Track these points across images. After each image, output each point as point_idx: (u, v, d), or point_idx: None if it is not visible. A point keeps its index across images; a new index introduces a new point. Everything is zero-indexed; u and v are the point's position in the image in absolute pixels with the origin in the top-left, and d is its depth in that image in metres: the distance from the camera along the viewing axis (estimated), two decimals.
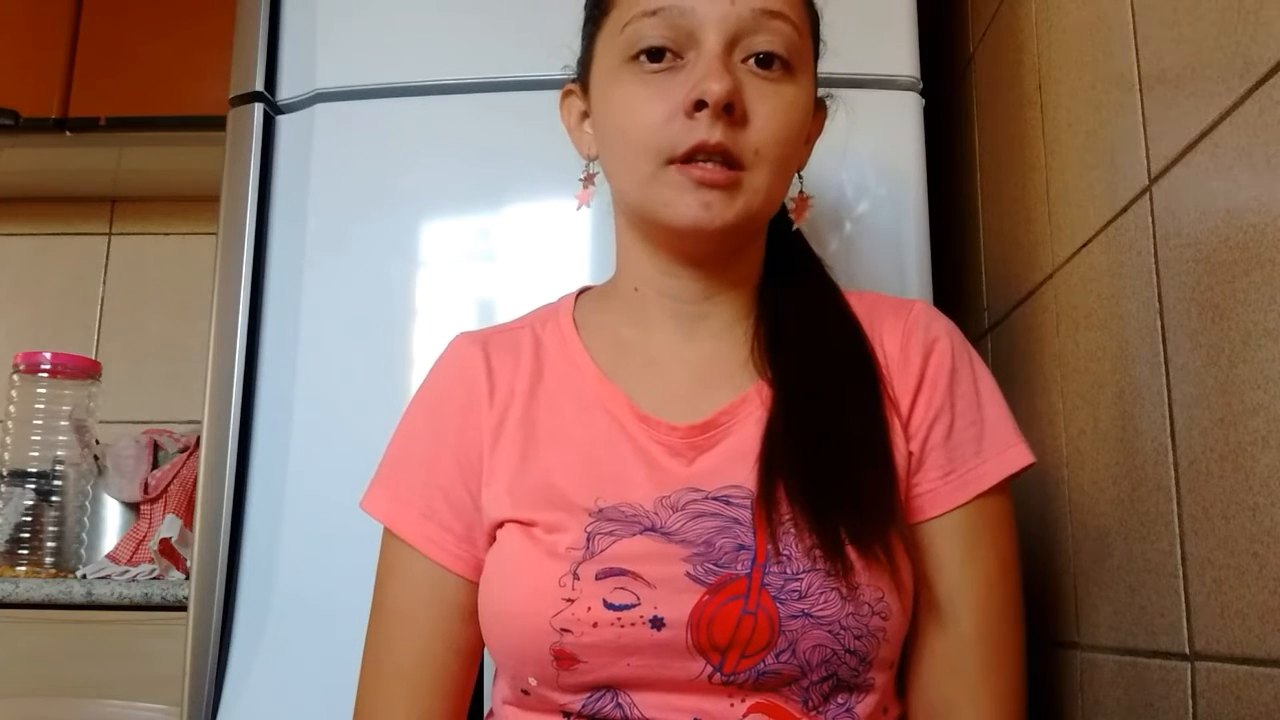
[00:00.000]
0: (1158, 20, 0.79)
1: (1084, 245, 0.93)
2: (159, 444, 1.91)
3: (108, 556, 1.76)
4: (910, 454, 0.81)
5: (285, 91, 1.29)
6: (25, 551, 1.70)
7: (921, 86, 1.20)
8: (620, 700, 0.74)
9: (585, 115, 0.88)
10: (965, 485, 0.80)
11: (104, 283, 2.17)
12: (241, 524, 1.19)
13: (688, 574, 0.74)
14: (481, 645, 0.83)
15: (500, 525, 0.81)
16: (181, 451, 1.88)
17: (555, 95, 0.91)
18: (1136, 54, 0.82)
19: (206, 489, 1.20)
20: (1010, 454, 0.81)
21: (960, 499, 0.80)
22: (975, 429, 0.81)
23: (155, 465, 1.88)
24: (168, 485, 1.81)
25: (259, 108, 1.28)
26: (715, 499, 0.77)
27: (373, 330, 1.21)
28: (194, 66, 1.82)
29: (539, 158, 1.17)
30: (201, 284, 1.28)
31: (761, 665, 0.73)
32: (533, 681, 0.76)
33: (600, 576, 0.74)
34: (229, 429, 1.20)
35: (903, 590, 0.76)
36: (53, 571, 1.70)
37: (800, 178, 0.88)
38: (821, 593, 0.73)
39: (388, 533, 0.86)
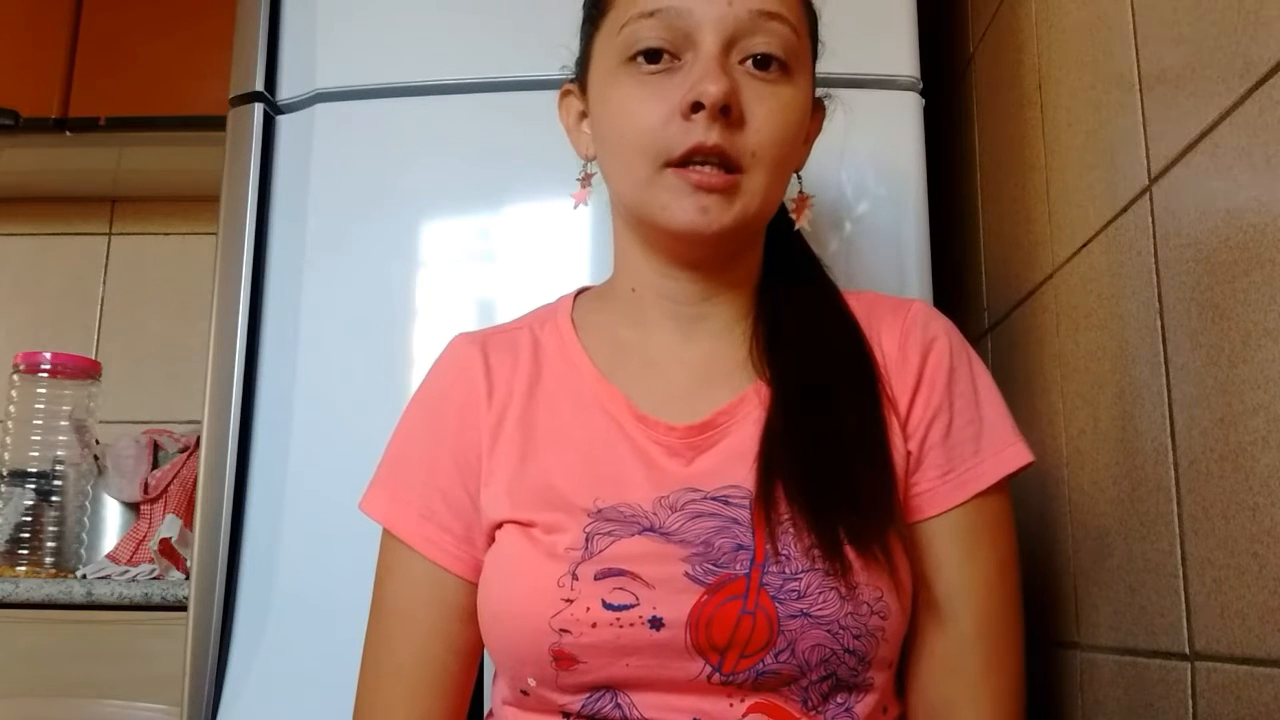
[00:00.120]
0: (1158, 20, 0.79)
1: (1084, 245, 0.93)
2: (159, 444, 1.91)
3: (108, 556, 1.76)
4: (909, 453, 0.81)
5: (285, 91, 1.29)
6: (25, 551, 1.70)
7: (921, 86, 1.20)
8: (619, 700, 0.74)
9: (583, 115, 0.88)
10: (964, 484, 0.80)
11: (104, 283, 2.17)
12: (241, 524, 1.19)
13: (686, 574, 0.74)
14: (481, 646, 0.83)
15: (499, 526, 0.81)
16: (181, 451, 1.88)
17: (555, 95, 0.91)
18: (1136, 54, 0.82)
19: (206, 489, 1.20)
20: (1009, 453, 0.81)
21: (959, 498, 0.80)
22: (973, 428, 0.81)
23: (155, 465, 1.88)
24: (168, 485, 1.81)
25: (259, 108, 1.28)
26: (714, 499, 0.77)
27: (373, 330, 1.21)
28: (194, 66, 1.82)
29: (539, 158, 1.17)
30: (201, 284, 1.28)
31: (760, 665, 0.73)
32: (532, 682, 0.76)
33: (599, 577, 0.74)
34: (229, 429, 1.20)
35: (901, 590, 0.76)
36: (53, 571, 1.70)
37: (799, 178, 0.88)
38: (820, 592, 0.73)
39: (387, 533, 0.86)
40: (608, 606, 0.73)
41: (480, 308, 1.21)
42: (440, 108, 1.25)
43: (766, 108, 0.79)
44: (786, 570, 0.73)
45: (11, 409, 1.79)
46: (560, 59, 0.90)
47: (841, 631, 0.73)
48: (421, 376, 0.90)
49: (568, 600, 0.74)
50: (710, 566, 0.74)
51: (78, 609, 1.49)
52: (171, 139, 1.89)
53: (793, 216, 0.89)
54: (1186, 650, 0.74)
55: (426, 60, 1.26)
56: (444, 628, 0.83)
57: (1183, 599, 0.74)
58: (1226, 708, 0.68)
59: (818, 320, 0.85)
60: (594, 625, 0.73)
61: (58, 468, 1.77)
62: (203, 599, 1.17)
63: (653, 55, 0.79)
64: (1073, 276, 0.96)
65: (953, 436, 0.81)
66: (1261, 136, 0.63)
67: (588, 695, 0.75)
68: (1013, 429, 0.83)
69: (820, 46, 0.88)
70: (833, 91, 0.92)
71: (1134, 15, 0.82)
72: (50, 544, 1.72)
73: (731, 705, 0.73)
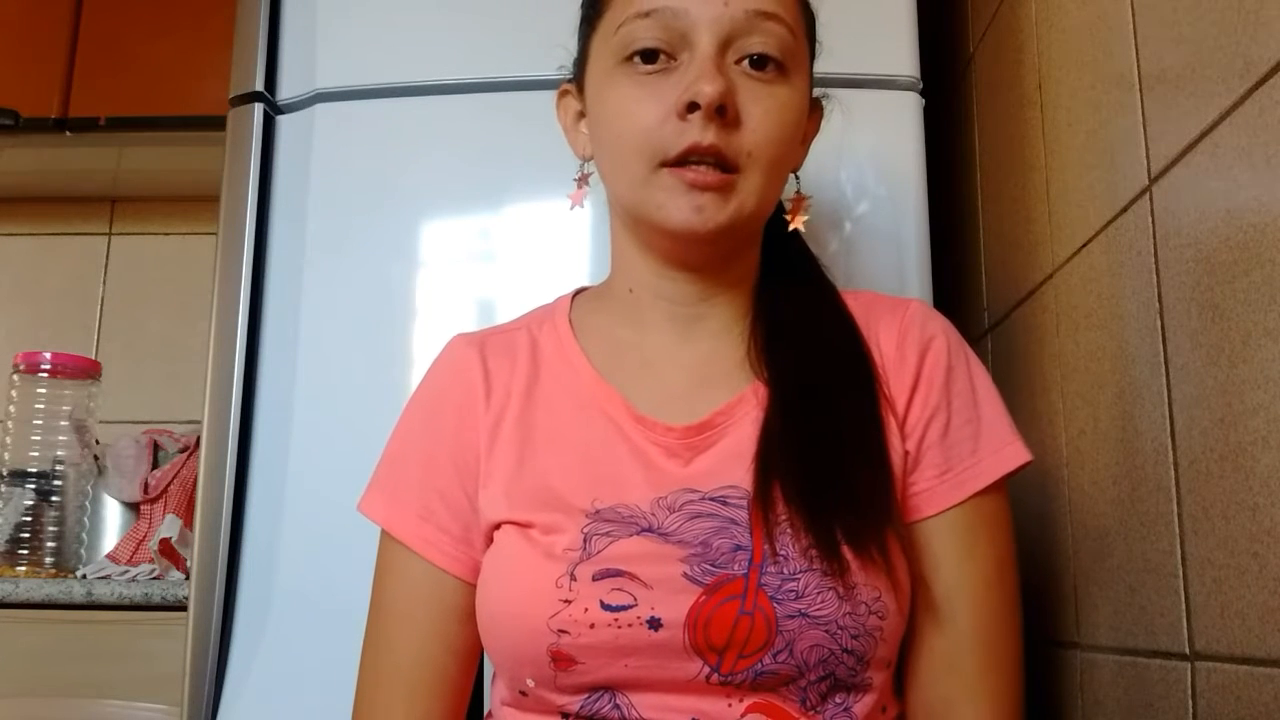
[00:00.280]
0: (1158, 20, 0.79)
1: (1084, 245, 0.93)
2: (159, 444, 1.91)
3: (108, 556, 1.76)
4: (906, 453, 0.81)
5: (285, 91, 1.29)
6: (25, 551, 1.70)
7: (921, 86, 1.20)
8: (618, 701, 0.74)
9: (581, 115, 0.88)
10: (962, 484, 0.80)
11: (104, 283, 2.17)
12: (241, 524, 1.19)
13: (685, 574, 0.74)
14: (480, 646, 0.83)
15: (497, 527, 0.81)
16: (181, 451, 1.88)
17: (554, 95, 0.91)
18: (1136, 54, 0.82)
19: (206, 489, 1.20)
20: (1007, 452, 0.81)
21: (957, 497, 0.80)
22: (971, 427, 0.81)
23: (155, 465, 1.88)
24: (168, 485, 1.81)
25: (259, 108, 1.28)
26: (712, 499, 0.77)
27: (373, 330, 1.21)
28: (194, 66, 1.82)
29: (539, 158, 1.17)
30: (201, 284, 1.28)
31: (759, 665, 0.72)
32: (530, 683, 0.76)
33: (597, 577, 0.74)
34: (229, 429, 1.20)
35: (899, 589, 0.76)
36: (53, 571, 1.70)
37: (797, 178, 0.88)
38: (818, 592, 0.73)
39: (385, 534, 0.86)
40: (606, 607, 0.73)
41: (480, 308, 1.21)
42: (440, 108, 1.25)
43: (763, 108, 0.79)
44: (785, 570, 0.73)
45: (11, 409, 1.79)
46: (558, 59, 0.90)
47: (840, 631, 0.72)
48: (421, 376, 0.90)
49: (566, 601, 0.74)
50: (708, 567, 0.74)
51: (78, 609, 1.49)
52: (171, 139, 1.89)
53: (789, 217, 0.88)
54: (1186, 650, 0.74)
55: (426, 60, 1.26)
56: (442, 628, 0.83)
57: (1183, 599, 0.74)
58: (1226, 708, 0.68)
59: (816, 320, 0.85)
60: (592, 626, 0.73)
61: (58, 468, 1.77)
62: (203, 599, 1.17)
63: (649, 55, 0.79)
64: (1073, 276, 0.96)
65: (950, 436, 0.81)
66: (1261, 136, 0.63)
67: (586, 696, 0.75)
68: (1010, 428, 0.83)
69: (818, 46, 0.88)
70: (833, 91, 0.91)
71: (1134, 15, 0.82)
72: (50, 544, 1.72)
73: (730, 705, 0.73)
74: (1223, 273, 0.68)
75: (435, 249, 1.24)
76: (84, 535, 1.79)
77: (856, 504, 0.76)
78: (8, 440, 1.77)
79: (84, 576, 1.63)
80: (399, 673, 0.83)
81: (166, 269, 2.16)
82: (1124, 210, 0.84)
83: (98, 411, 1.85)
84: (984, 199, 1.28)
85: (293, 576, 1.16)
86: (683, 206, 0.78)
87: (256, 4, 1.31)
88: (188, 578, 1.31)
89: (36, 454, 1.76)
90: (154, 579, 1.56)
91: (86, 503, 1.80)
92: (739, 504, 0.76)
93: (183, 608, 1.26)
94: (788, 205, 0.89)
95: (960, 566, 0.79)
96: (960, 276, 1.35)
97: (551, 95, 0.91)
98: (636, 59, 0.80)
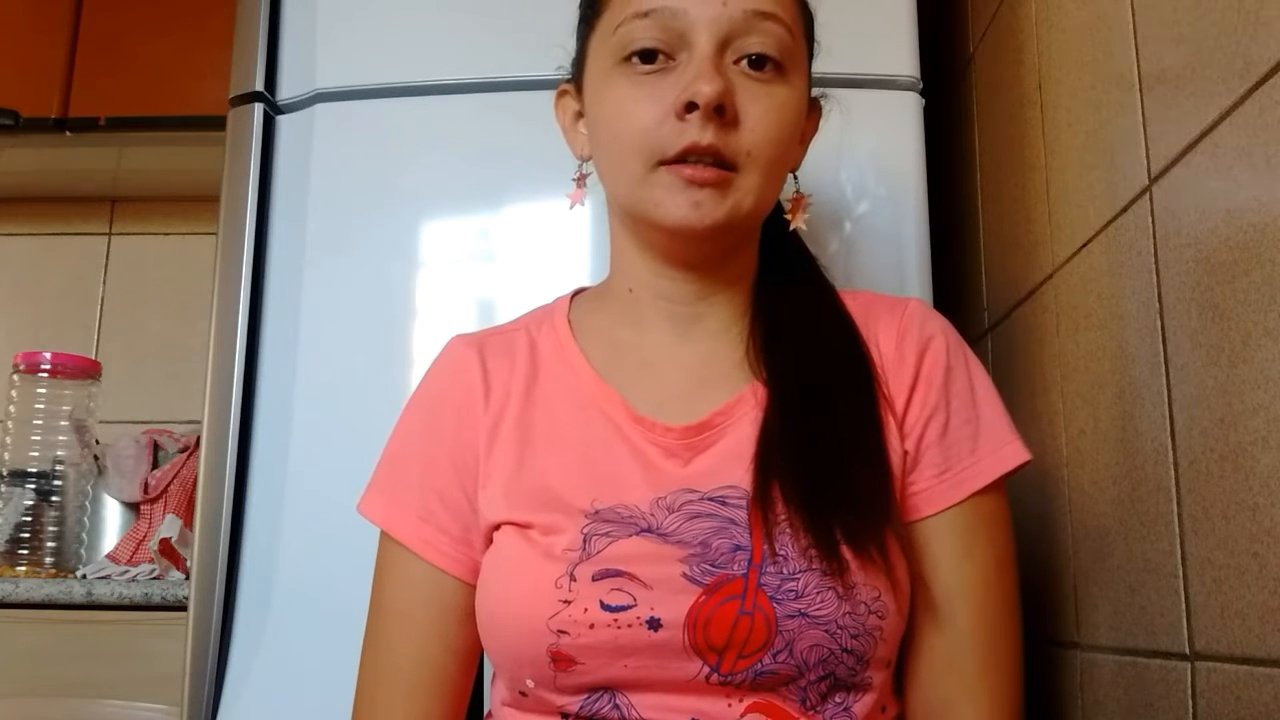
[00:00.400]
0: (1158, 20, 0.79)
1: (1084, 245, 0.93)
2: (159, 444, 1.91)
3: (108, 556, 1.76)
4: (905, 453, 0.81)
5: (285, 91, 1.29)
6: (25, 551, 1.70)
7: (921, 86, 1.20)
8: (618, 701, 0.74)
9: (579, 115, 0.88)
10: (961, 483, 0.80)
11: (104, 283, 2.17)
12: (241, 524, 1.19)
13: (684, 574, 0.74)
14: (479, 647, 0.83)
15: (497, 527, 0.81)
16: (181, 451, 1.88)
17: (553, 95, 0.91)
18: (1136, 54, 0.82)
19: (206, 489, 1.20)
20: (1006, 452, 0.81)
21: (956, 497, 0.80)
22: (970, 427, 0.81)
23: (155, 465, 1.88)
24: (168, 485, 1.81)
25: (259, 108, 1.28)
26: (711, 499, 0.77)
27: (373, 330, 1.21)
28: (194, 66, 1.82)
29: (539, 158, 1.17)
30: (201, 284, 1.28)
31: (759, 665, 0.72)
32: (530, 683, 0.76)
33: (597, 578, 0.74)
34: (229, 429, 1.20)
35: (899, 589, 0.76)
36: (53, 571, 1.70)
37: (795, 178, 0.88)
38: (818, 592, 0.73)
39: (385, 535, 0.86)
40: (605, 607, 0.73)
41: (480, 308, 1.21)
42: (440, 108, 1.25)
43: (761, 107, 0.79)
44: (784, 570, 0.73)
45: (11, 409, 1.79)
46: (557, 59, 0.90)
47: (839, 631, 0.72)
48: (421, 377, 0.90)
49: (565, 601, 0.74)
50: (708, 567, 0.74)
51: (78, 609, 1.49)
52: (171, 139, 1.89)
53: (788, 217, 0.88)
54: (1186, 650, 0.74)
55: (426, 60, 1.26)
56: (442, 629, 0.83)
57: (1183, 599, 0.74)
58: (1226, 708, 0.68)
59: (814, 320, 0.85)
60: (592, 626, 0.73)
61: (58, 468, 1.77)
62: (203, 599, 1.17)
63: (647, 55, 0.79)
64: (1073, 276, 0.96)
65: (949, 435, 0.81)
66: (1261, 136, 0.63)
67: (586, 696, 0.75)
68: (1009, 427, 0.83)
69: (816, 46, 0.88)
70: (832, 91, 0.91)
71: (1134, 15, 0.82)
72: (50, 544, 1.72)
73: (730, 705, 0.73)
74: (1223, 273, 0.68)
75: (435, 249, 1.24)
76: (84, 535, 1.79)
77: (856, 504, 0.76)
78: (8, 440, 1.77)
79: (84, 576, 1.63)
80: (399, 673, 0.83)
81: (166, 269, 2.16)
82: (1124, 210, 0.84)
83: (98, 411, 1.85)
84: (984, 199, 1.28)
85: (293, 576, 1.16)
86: (680, 203, 0.78)
87: (256, 4, 1.31)
88: (188, 578, 1.31)
89: (36, 454, 1.76)
90: (154, 579, 1.56)
91: (86, 503, 1.80)
92: (738, 504, 0.76)
93: (183, 608, 1.26)
94: (787, 205, 0.89)
95: (959, 566, 0.79)
96: (960, 276, 1.35)
97: (551, 95, 0.91)
98: (635, 59, 0.80)
